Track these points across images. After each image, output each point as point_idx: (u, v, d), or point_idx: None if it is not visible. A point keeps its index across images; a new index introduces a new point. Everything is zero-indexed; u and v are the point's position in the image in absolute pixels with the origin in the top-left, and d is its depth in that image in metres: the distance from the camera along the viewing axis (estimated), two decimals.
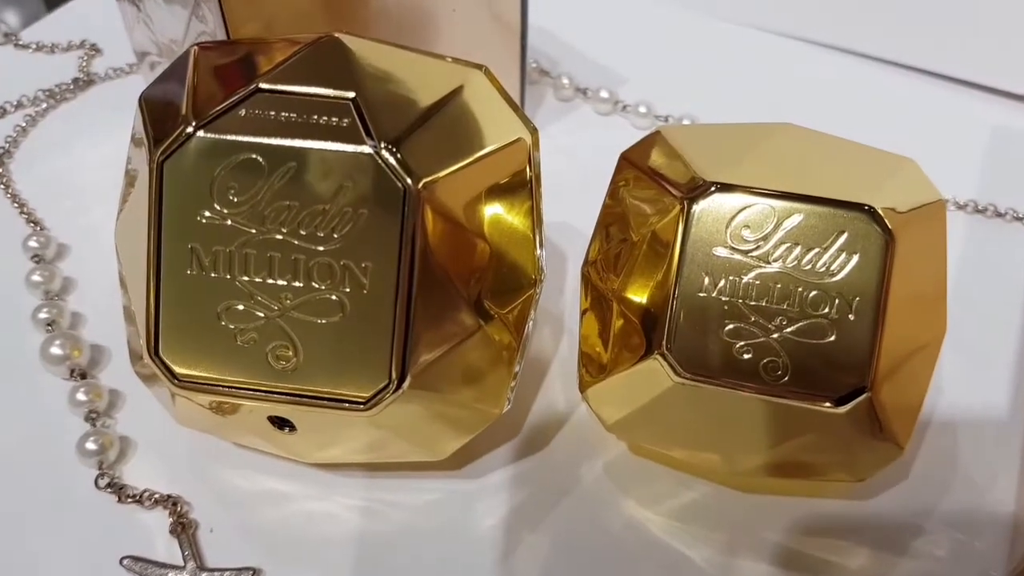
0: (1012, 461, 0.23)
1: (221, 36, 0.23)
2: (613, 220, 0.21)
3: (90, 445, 0.23)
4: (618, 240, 0.21)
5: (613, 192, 0.21)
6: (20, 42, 0.37)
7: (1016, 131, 0.33)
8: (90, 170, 0.31)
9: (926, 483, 0.23)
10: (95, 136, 0.32)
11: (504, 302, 0.20)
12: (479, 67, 0.20)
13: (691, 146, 0.20)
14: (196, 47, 0.20)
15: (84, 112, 0.34)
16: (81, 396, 0.24)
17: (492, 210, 0.19)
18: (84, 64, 0.36)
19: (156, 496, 0.22)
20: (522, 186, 0.20)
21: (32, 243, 0.27)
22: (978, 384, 0.25)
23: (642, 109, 0.33)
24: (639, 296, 0.19)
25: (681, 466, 0.22)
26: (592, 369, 0.21)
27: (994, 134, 0.33)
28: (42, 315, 0.25)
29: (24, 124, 0.33)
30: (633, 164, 0.21)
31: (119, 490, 0.22)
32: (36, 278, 0.26)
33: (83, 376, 0.24)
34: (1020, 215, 0.29)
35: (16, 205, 0.29)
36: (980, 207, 0.29)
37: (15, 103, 0.33)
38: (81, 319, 0.26)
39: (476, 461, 0.23)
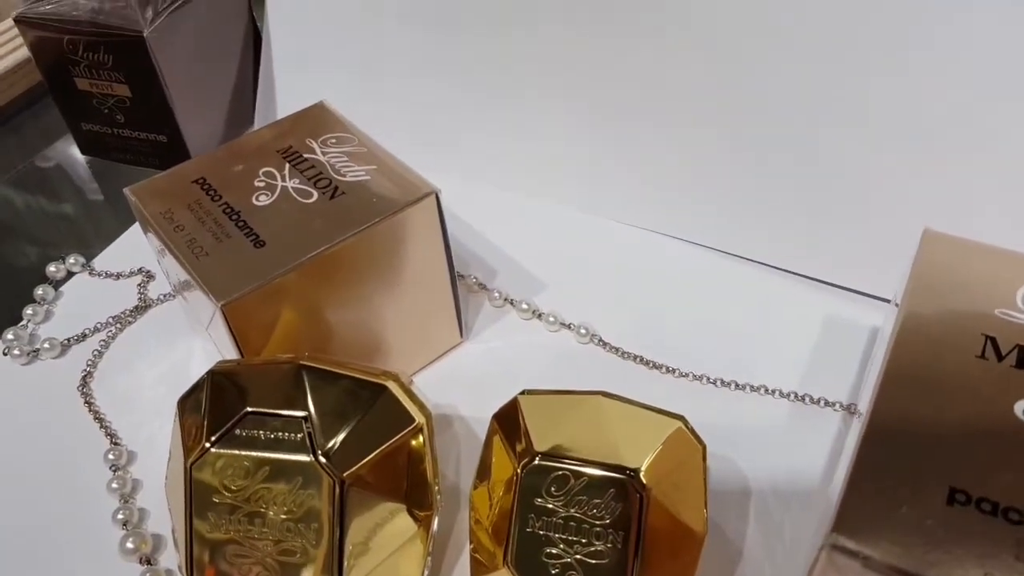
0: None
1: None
2: (488, 463, 0.31)
3: None
4: (488, 477, 0.31)
5: (487, 443, 0.32)
6: (94, 270, 0.49)
7: (840, 320, 0.42)
8: (147, 387, 0.42)
9: None
10: (150, 357, 0.44)
11: (417, 519, 0.30)
12: (394, 376, 0.30)
13: (532, 417, 0.30)
14: (211, 373, 0.31)
15: (142, 336, 0.44)
16: None
17: (401, 470, 0.30)
18: (142, 291, 0.47)
19: None
20: (420, 451, 0.30)
21: (111, 456, 0.39)
22: (776, 551, 0.34)
23: (551, 319, 0.43)
24: (498, 526, 0.29)
25: None
26: (479, 567, 0.31)
27: (825, 324, 0.42)
28: (119, 516, 0.37)
29: (100, 348, 0.45)
30: (499, 424, 0.31)
31: None
32: (114, 485, 0.38)
33: (149, 562, 0.36)
34: (830, 401, 0.39)
35: (96, 421, 0.41)
36: (799, 396, 0.39)
37: (92, 328, 0.45)
38: (147, 514, 0.37)
39: None
